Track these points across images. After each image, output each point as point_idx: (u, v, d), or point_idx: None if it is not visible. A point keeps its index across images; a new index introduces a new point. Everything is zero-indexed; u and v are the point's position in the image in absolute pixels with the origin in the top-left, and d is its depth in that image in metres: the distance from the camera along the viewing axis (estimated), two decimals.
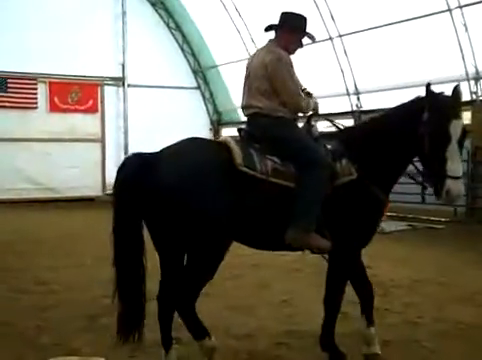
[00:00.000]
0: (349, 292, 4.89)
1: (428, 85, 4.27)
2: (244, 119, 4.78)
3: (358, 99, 16.78)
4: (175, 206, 3.98)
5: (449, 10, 13.91)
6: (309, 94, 4.71)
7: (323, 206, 4.25)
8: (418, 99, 4.41)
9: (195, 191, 3.99)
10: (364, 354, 4.77)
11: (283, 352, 4.86)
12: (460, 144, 4.19)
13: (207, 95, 23.05)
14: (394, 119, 4.52)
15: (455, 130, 4.16)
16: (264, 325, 4.99)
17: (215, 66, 22.12)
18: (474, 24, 13.78)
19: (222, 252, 4.19)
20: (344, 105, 16.82)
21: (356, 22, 15.82)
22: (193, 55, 22.52)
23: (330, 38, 16.56)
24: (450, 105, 4.21)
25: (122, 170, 4.16)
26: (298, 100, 4.49)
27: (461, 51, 13.93)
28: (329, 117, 4.89)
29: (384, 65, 15.47)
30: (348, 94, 16.84)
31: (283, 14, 4.68)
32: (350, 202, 4.38)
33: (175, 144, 4.29)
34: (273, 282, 6.74)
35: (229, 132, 22.77)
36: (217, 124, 23.29)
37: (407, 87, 13.37)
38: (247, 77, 4.65)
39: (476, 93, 14.02)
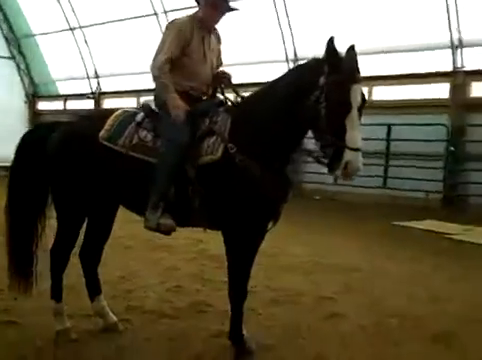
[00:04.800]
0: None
1: (332, 39, 3.75)
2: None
3: None
4: (51, 173, 4.55)
5: None
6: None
7: (193, 187, 4.10)
8: (315, 62, 3.90)
9: (62, 161, 4.46)
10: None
11: (126, 328, 4.83)
12: (360, 112, 3.76)
13: (22, 66, 21.85)
14: (284, 86, 4.01)
15: (355, 96, 3.72)
16: None
17: (32, 35, 20.99)
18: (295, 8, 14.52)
19: (85, 217, 4.62)
20: None
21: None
22: (7, 22, 21.16)
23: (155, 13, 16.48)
24: (351, 68, 3.77)
25: (27, 134, 4.79)
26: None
27: (282, 35, 14.64)
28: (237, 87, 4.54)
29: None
30: None
31: None
32: (217, 183, 4.07)
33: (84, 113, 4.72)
34: (108, 259, 6.63)
35: (46, 105, 21.88)
36: (33, 96, 22.24)
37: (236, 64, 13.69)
38: None
39: None
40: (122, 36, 17.90)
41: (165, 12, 16.70)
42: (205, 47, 4.48)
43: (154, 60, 4.38)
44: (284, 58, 14.97)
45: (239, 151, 4.00)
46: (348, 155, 3.65)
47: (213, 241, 7.33)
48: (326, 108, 3.71)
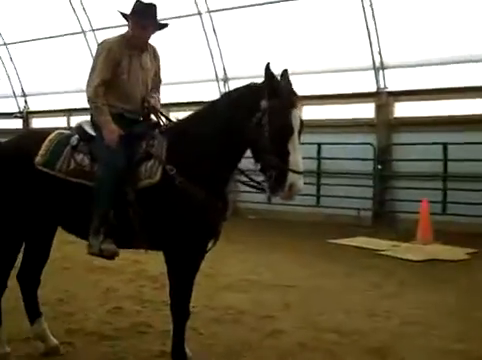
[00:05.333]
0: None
1: (268, 64, 3.89)
2: None
3: None
4: None
5: (199, 14, 14.67)
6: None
7: (133, 210, 4.11)
8: (255, 85, 4.06)
9: None
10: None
11: (68, 351, 4.78)
12: (299, 135, 3.90)
13: None
14: (224, 107, 4.13)
15: (296, 120, 3.88)
16: None
17: None
18: (223, 29, 14.70)
19: (23, 241, 4.54)
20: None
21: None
22: None
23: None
24: (290, 92, 3.94)
25: None
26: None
27: (211, 55, 14.80)
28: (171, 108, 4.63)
29: None
30: None
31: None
32: (158, 205, 4.10)
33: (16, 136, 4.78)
34: (46, 281, 6.52)
35: None
36: None
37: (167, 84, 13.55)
38: None
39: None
40: (50, 54, 17.59)
41: (93, 30, 16.56)
42: (135, 66, 4.50)
43: (88, 83, 4.40)
44: (214, 77, 15.13)
45: (178, 173, 4.05)
46: (292, 177, 3.78)
47: (151, 261, 7.35)
48: (269, 131, 3.83)
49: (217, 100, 4.35)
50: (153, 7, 4.47)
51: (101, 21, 16.04)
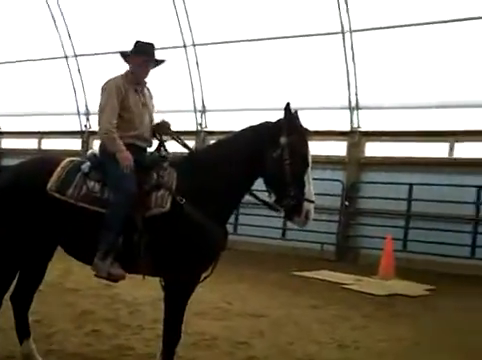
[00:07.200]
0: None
1: (288, 105, 4.31)
2: None
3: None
4: None
5: (184, 46, 14.97)
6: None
7: (140, 236, 4.31)
8: (273, 123, 4.42)
9: (5, 211, 4.52)
10: None
11: None
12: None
13: None
14: (243, 142, 4.44)
15: (310, 155, 4.32)
16: None
17: None
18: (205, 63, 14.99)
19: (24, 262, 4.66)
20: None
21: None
22: None
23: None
24: (304, 129, 4.36)
25: None
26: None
27: (192, 86, 15.16)
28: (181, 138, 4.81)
29: None
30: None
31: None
32: (166, 233, 4.31)
33: (27, 160, 4.90)
34: None
35: None
36: None
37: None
38: None
39: (201, 124, 15.45)
40: (27, 76, 17.62)
41: (75, 56, 16.63)
42: (141, 100, 4.78)
43: (100, 119, 4.64)
44: (192, 108, 15.47)
45: (188, 203, 4.30)
46: (307, 206, 4.25)
47: (124, 286, 7.43)
48: (290, 165, 4.24)
49: (230, 137, 4.62)
50: (152, 46, 4.81)
51: (84, 47, 16.20)
